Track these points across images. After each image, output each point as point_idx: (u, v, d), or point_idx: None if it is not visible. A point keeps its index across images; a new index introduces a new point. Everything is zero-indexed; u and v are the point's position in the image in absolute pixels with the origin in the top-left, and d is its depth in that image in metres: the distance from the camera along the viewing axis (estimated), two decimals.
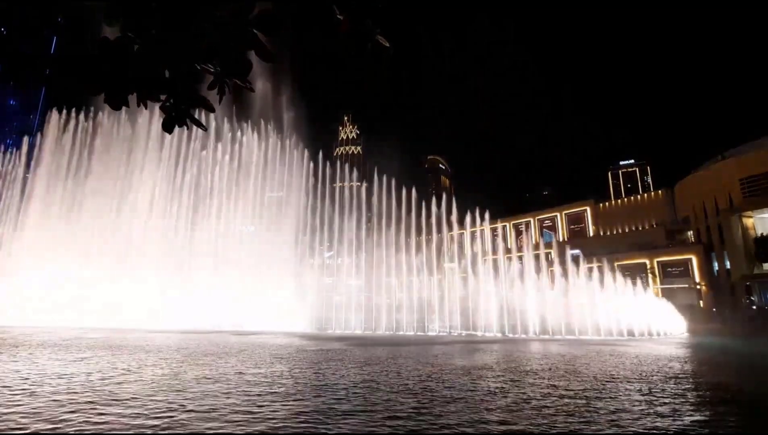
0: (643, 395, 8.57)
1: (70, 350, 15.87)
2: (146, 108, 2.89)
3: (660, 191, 62.76)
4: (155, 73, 2.72)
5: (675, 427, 6.36)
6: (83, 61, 2.62)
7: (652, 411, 7.24)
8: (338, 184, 48.80)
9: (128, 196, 42.21)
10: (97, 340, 20.72)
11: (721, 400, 8.57)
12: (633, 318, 31.03)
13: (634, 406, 7.65)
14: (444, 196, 45.10)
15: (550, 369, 12.24)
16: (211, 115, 40.85)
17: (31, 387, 8.54)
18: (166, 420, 6.23)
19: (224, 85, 2.91)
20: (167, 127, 2.82)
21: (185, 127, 2.87)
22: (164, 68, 2.76)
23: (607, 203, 67.50)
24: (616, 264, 53.27)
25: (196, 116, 3.10)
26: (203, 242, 42.78)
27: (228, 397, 7.87)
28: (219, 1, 2.72)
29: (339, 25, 2.84)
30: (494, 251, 65.93)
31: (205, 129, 3.00)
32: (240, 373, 11.05)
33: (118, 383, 9.27)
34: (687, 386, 9.71)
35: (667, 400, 8.05)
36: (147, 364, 12.42)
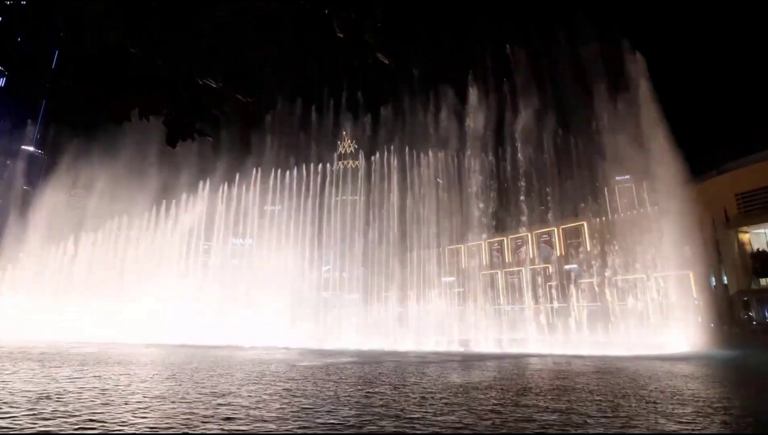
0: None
1: (52, 364, 15.61)
2: (148, 121, 2.91)
3: (656, 207, 63.17)
4: (155, 73, 2.76)
5: None
6: (84, 61, 2.66)
7: None
8: (337, 197, 48.94)
9: (127, 213, 42.48)
10: (89, 354, 20.38)
11: None
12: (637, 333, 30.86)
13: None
14: (441, 211, 45.26)
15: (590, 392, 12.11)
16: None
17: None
18: None
19: (226, 100, 2.95)
20: (171, 142, 2.85)
21: (191, 139, 2.89)
22: (164, 68, 2.79)
23: (604, 218, 67.82)
24: (614, 279, 53.19)
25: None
26: (201, 257, 42.71)
27: (205, 420, 7.65)
28: (219, 2, 2.74)
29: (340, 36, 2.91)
30: (492, 266, 65.87)
31: (212, 139, 3.01)
32: (221, 393, 10.89)
33: (91, 402, 9.07)
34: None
35: None
36: (129, 382, 12.25)
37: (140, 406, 8.40)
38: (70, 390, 10.30)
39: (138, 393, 10.10)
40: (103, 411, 8.18)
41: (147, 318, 35.02)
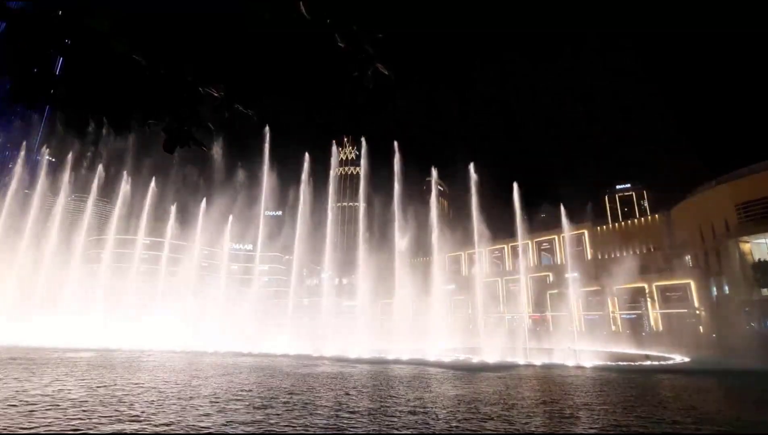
0: None
1: (46, 369, 15.56)
2: (149, 128, 2.95)
3: (657, 216, 63.06)
4: (158, 80, 2.79)
5: None
6: (86, 67, 2.69)
7: None
8: (337, 204, 49.01)
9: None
10: (87, 359, 20.30)
11: None
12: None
13: None
14: (442, 218, 45.27)
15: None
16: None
17: None
18: None
19: (227, 110, 2.99)
20: (169, 148, 2.88)
21: (188, 147, 2.92)
22: (167, 76, 2.83)
23: (604, 227, 67.69)
24: (615, 288, 52.90)
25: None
26: (207, 267, 42.76)
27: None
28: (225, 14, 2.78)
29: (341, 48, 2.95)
30: (492, 273, 65.59)
31: (207, 150, 3.05)
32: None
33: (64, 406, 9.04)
34: None
35: None
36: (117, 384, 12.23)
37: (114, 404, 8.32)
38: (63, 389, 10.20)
39: (111, 395, 10.00)
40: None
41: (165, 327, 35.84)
